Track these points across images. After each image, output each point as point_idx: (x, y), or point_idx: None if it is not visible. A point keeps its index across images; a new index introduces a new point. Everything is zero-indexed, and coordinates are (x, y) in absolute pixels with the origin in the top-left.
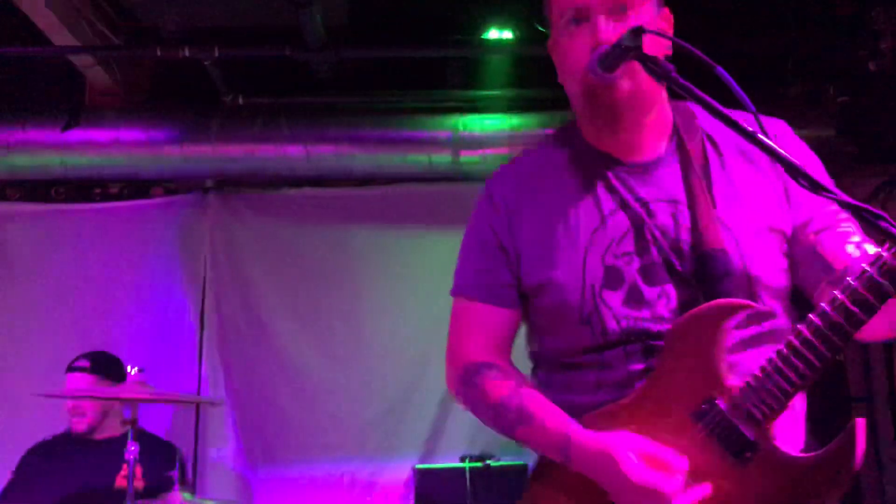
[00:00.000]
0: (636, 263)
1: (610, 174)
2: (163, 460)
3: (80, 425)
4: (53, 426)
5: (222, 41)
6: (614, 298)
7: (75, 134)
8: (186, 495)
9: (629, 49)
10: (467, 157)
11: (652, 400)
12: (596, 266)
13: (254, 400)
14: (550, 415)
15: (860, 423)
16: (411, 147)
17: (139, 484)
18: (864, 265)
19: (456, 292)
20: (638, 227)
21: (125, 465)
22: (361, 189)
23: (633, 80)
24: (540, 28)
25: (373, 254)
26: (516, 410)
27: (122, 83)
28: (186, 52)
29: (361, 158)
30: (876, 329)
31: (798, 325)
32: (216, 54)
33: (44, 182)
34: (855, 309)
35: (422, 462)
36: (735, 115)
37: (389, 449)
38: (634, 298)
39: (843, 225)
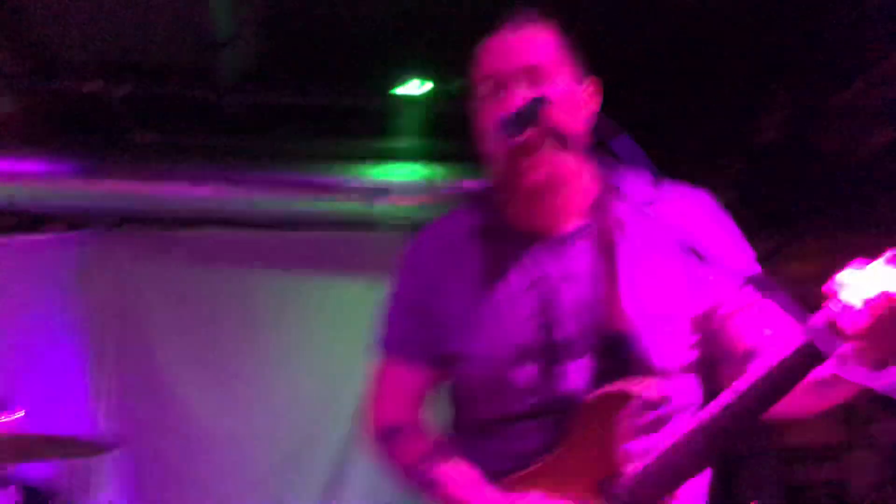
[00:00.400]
0: (547, 340)
1: (523, 252)
2: None
3: None
4: None
5: (133, 76)
6: (525, 374)
7: None
8: None
9: (527, 119)
10: (380, 205)
11: (557, 474)
12: (509, 342)
13: (147, 448)
14: (456, 481)
15: None
16: (322, 193)
17: None
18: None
19: (378, 352)
20: (548, 306)
21: None
22: (269, 233)
23: (544, 168)
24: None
25: (277, 300)
26: (425, 476)
27: (25, 113)
28: (97, 86)
29: (270, 202)
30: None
31: (691, 423)
32: (127, 90)
33: None
34: (743, 414)
35: None
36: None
37: (288, 500)
38: (544, 374)
39: (752, 306)
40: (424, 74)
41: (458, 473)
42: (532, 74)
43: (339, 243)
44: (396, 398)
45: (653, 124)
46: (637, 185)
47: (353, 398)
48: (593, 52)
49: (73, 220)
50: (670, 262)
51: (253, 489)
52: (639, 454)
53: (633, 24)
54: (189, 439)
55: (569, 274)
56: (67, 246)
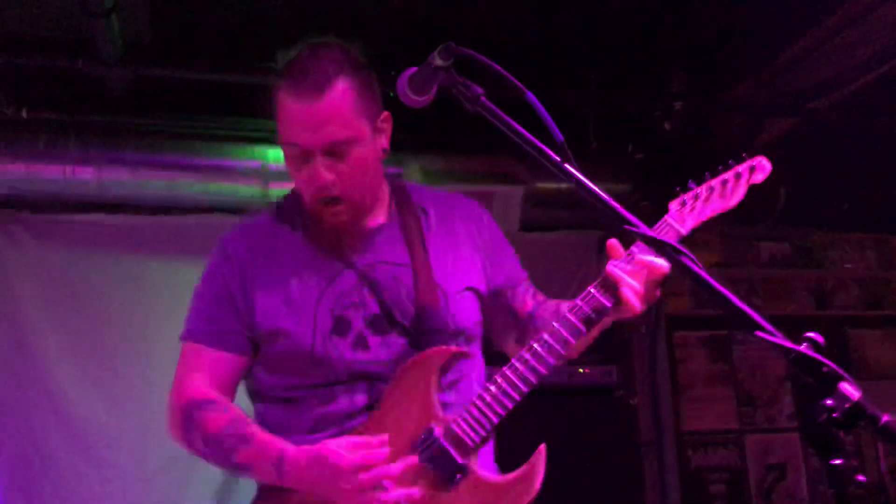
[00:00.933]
0: (362, 315)
1: (338, 240)
2: None
3: None
4: None
5: (8, 48)
6: (342, 344)
7: None
8: None
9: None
10: (277, 189)
11: (376, 432)
12: (326, 316)
13: (23, 449)
14: (268, 437)
15: (541, 451)
16: (216, 175)
17: None
18: (566, 313)
19: (185, 337)
20: (362, 285)
21: None
22: (157, 217)
23: (346, 215)
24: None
25: (168, 289)
26: (237, 436)
27: None
28: None
29: (159, 185)
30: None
31: (503, 369)
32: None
33: None
34: (549, 358)
35: None
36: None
37: (177, 500)
38: (361, 345)
39: (525, 283)
40: None
41: (267, 434)
42: (333, 149)
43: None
44: (203, 378)
45: (551, 114)
46: (423, 191)
47: (243, 396)
48: (496, 40)
49: None
50: (466, 245)
51: (140, 488)
52: (449, 408)
53: (536, 13)
54: (72, 436)
55: (385, 258)
56: None
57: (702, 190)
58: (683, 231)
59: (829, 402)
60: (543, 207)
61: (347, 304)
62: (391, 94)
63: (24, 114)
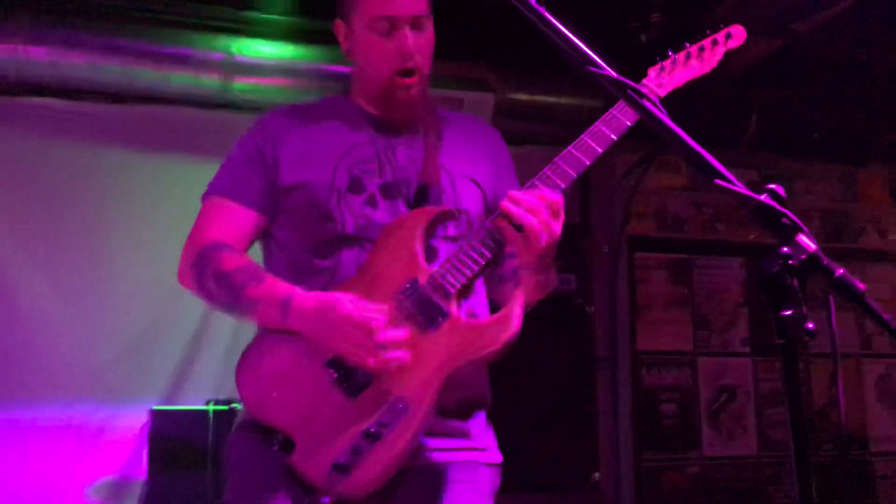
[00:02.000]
0: (376, 180)
1: (367, 122)
2: None
3: None
4: None
5: None
6: (356, 201)
7: None
8: None
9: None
10: (240, 83)
11: (365, 283)
12: (343, 174)
13: None
14: (279, 280)
15: (518, 294)
16: (176, 65)
17: None
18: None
19: (208, 193)
20: (381, 156)
21: None
22: (115, 106)
23: (422, 86)
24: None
25: (123, 179)
26: (250, 273)
27: None
28: None
29: (116, 71)
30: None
31: (473, 230)
32: None
33: None
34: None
35: (162, 405)
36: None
37: (126, 392)
38: (371, 204)
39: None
40: None
41: (276, 279)
42: (416, 23)
43: (192, 121)
44: (222, 229)
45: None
46: (448, 112)
47: None
48: None
49: None
50: (480, 153)
51: (92, 380)
52: (435, 261)
53: None
54: (22, 324)
55: (404, 143)
56: None
57: (679, 56)
58: (661, 93)
59: (785, 249)
60: (515, 119)
61: (365, 169)
62: None
63: None
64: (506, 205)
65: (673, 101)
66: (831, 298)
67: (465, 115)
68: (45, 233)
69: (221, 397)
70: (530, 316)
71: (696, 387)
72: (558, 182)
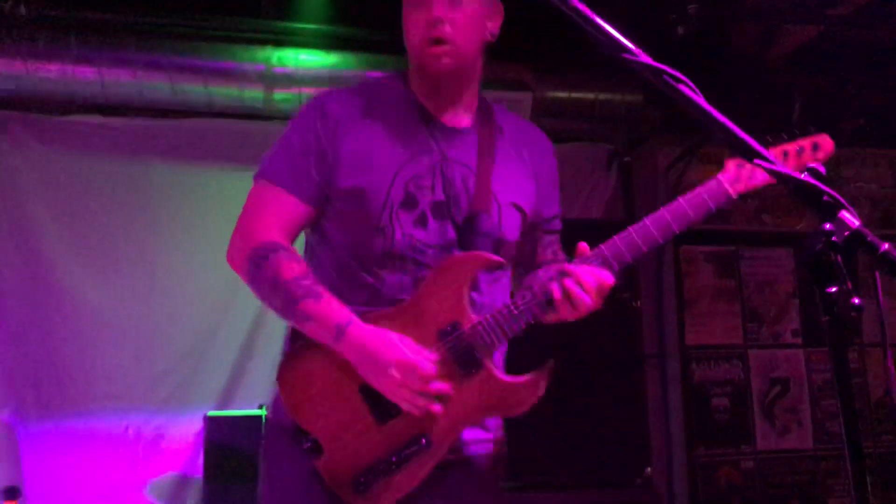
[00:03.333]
0: (429, 198)
1: (425, 126)
2: None
3: None
4: None
5: None
6: (407, 218)
7: None
8: None
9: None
10: (281, 94)
11: (410, 315)
12: (399, 189)
13: (29, 345)
14: (338, 302)
15: (550, 365)
16: (218, 78)
17: None
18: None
19: (261, 176)
20: (436, 172)
21: None
22: (160, 120)
23: (453, 58)
24: None
25: (170, 191)
26: (308, 287)
27: None
28: None
29: (161, 87)
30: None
31: (523, 291)
32: None
33: None
34: (541, 298)
35: (216, 411)
36: None
37: (181, 399)
38: (421, 223)
39: (556, 236)
40: None
41: (334, 298)
42: None
43: (237, 132)
44: (277, 221)
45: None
46: (507, 114)
47: (252, 296)
48: None
49: None
50: (528, 170)
51: (149, 386)
52: (482, 307)
53: None
54: (81, 335)
55: (458, 159)
56: None
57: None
58: (732, 193)
59: (828, 226)
60: (553, 118)
61: (420, 185)
62: None
63: (22, 10)
64: (569, 284)
65: (714, 93)
66: (877, 274)
67: (521, 121)
68: (99, 246)
69: None
70: None
71: (747, 380)
72: (613, 264)
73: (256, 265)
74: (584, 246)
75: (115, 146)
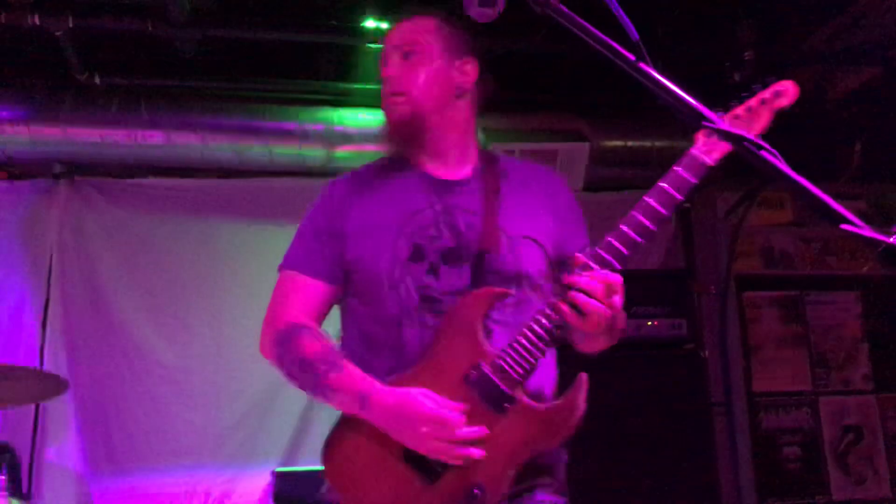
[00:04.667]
0: (436, 247)
1: (425, 185)
2: None
3: None
4: None
5: (77, 10)
6: (417, 270)
7: None
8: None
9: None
10: (343, 152)
11: (433, 370)
12: (404, 244)
13: (101, 403)
14: (359, 371)
15: (583, 378)
16: (281, 139)
17: None
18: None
19: (281, 266)
20: (440, 223)
21: None
22: (226, 181)
23: (410, 106)
24: None
25: (235, 250)
26: (330, 361)
27: None
28: (36, 20)
29: (226, 148)
30: (583, 347)
31: (535, 314)
32: (70, 24)
33: None
34: (555, 318)
35: (283, 467)
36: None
37: (248, 455)
38: (433, 273)
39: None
40: (387, 13)
41: (355, 368)
42: (406, 52)
43: (299, 190)
44: (299, 305)
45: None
46: (511, 160)
47: None
48: None
49: (16, 170)
50: (541, 207)
51: (214, 444)
52: (497, 345)
53: None
54: (149, 393)
55: (461, 205)
56: (12, 196)
57: (726, 118)
58: (710, 162)
59: None
60: (609, 166)
61: (425, 236)
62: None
63: (97, 80)
64: (574, 296)
65: (777, 137)
66: None
67: (526, 164)
68: (165, 304)
69: None
70: (641, 363)
71: (818, 427)
72: (612, 262)
73: (283, 349)
74: (578, 255)
75: (183, 207)
